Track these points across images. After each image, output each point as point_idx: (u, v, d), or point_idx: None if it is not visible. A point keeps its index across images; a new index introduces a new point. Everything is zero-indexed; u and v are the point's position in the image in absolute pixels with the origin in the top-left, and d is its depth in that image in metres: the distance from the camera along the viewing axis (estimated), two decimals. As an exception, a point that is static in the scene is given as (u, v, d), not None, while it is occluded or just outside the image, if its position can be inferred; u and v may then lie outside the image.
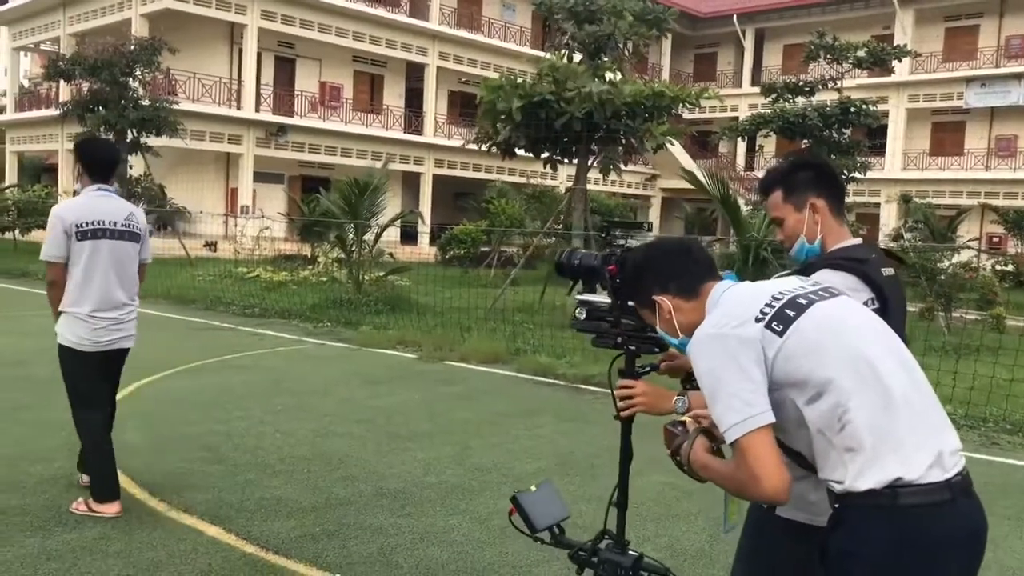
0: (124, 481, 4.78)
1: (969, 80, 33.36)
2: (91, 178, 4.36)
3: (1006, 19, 33.61)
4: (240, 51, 27.91)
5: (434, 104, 32.37)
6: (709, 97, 13.68)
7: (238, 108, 27.41)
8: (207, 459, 5.32)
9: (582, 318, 2.42)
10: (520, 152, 14.42)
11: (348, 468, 5.29)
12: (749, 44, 39.65)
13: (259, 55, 27.83)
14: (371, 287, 13.77)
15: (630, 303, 2.26)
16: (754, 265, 10.35)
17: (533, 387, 8.40)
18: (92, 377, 4.37)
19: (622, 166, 14.31)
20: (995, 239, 32.64)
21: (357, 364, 9.28)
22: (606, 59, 14.01)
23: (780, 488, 1.76)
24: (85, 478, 4.54)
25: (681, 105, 13.44)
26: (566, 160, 14.54)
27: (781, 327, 1.83)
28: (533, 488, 2.47)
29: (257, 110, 27.79)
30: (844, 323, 1.89)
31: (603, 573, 2.38)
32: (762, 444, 1.77)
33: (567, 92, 12.40)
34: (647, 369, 2.45)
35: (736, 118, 33.14)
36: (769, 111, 24.85)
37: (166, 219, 20.82)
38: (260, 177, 27.80)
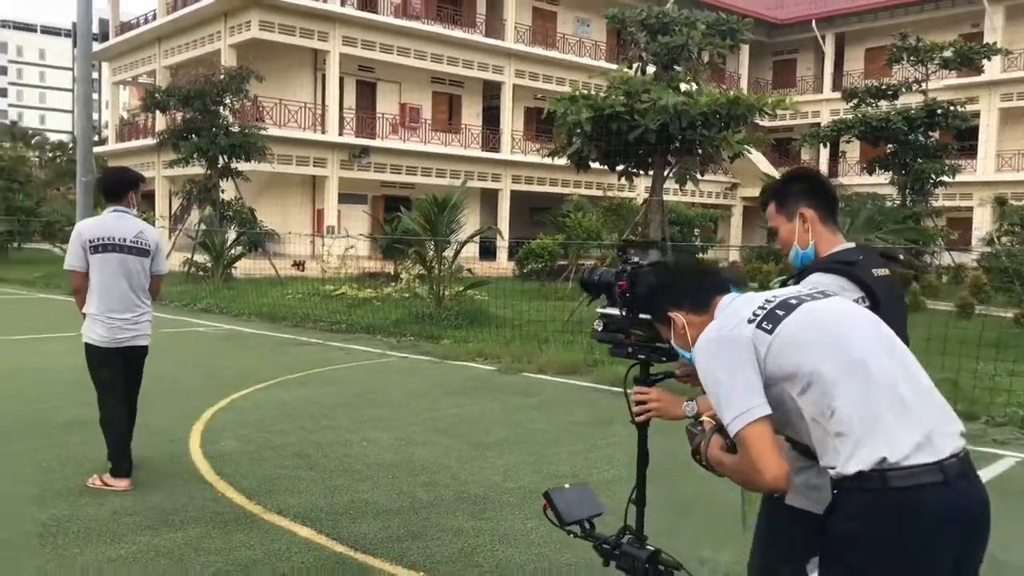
0: (222, 486, 5.10)
1: (1067, 76, 31.96)
2: (108, 201, 5.20)
3: (1105, 11, 32.11)
4: (323, 76, 28.86)
5: (511, 121, 32.79)
6: (785, 106, 13.54)
7: (322, 132, 28.32)
8: (299, 465, 5.61)
9: (600, 330, 2.58)
10: (594, 165, 14.53)
11: (431, 474, 5.50)
12: (829, 49, 38.85)
13: (341, 80, 28.72)
14: (451, 302, 14.08)
15: (644, 317, 2.45)
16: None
17: (610, 397, 8.46)
18: (109, 369, 5.02)
19: (699, 176, 14.26)
20: (1100, 241, 31.03)
21: (439, 376, 9.54)
22: (679, 69, 14.03)
23: (779, 477, 1.88)
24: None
25: (758, 113, 13.34)
26: (641, 172, 14.59)
27: (771, 326, 1.98)
28: (567, 486, 2.66)
29: (340, 133, 28.65)
30: (830, 318, 2.02)
31: (623, 565, 2.54)
32: (760, 437, 1.89)
33: (640, 104, 12.48)
34: (661, 377, 2.59)
35: (818, 124, 32.52)
36: (851, 116, 24.38)
37: (256, 240, 21.63)
38: (344, 198, 28.61)
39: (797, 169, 2.95)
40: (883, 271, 2.50)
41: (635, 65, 14.18)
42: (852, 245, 2.58)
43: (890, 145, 24.28)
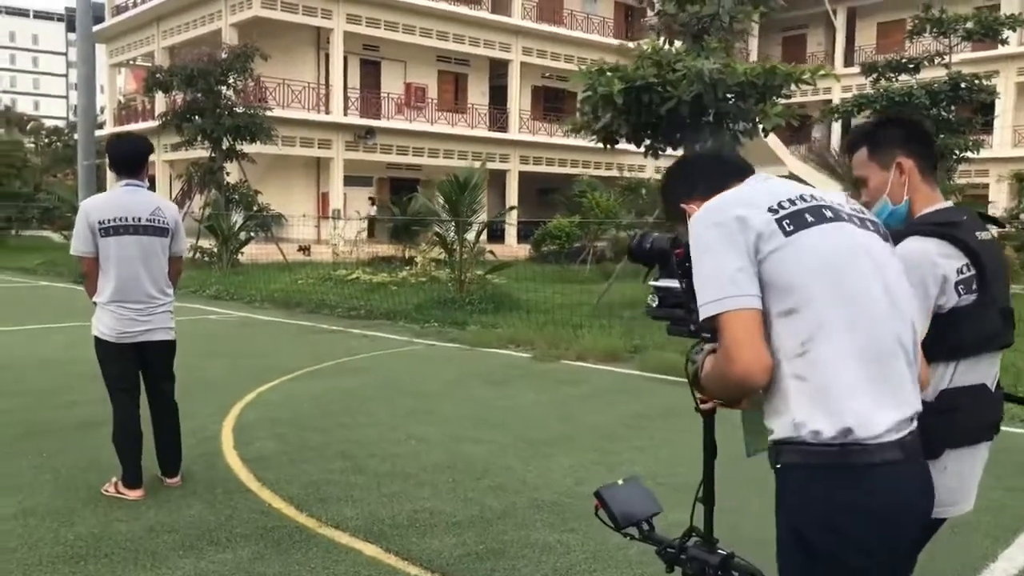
0: (267, 495, 4.55)
1: (1086, 48, 31.26)
2: (118, 175, 4.50)
3: (1125, -19, 31.36)
4: (327, 56, 28.12)
5: (518, 100, 32.08)
6: (825, 75, 12.90)
7: (327, 112, 27.63)
8: (346, 469, 5.04)
9: (654, 305, 2.16)
10: (620, 142, 13.86)
11: (494, 477, 4.95)
12: (841, 23, 38.12)
13: (345, 59, 27.99)
14: (473, 286, 13.50)
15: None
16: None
17: (664, 386, 7.89)
18: (118, 365, 4.43)
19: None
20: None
21: (473, 365, 8.98)
22: (710, 39, 13.36)
23: (751, 367, 1.61)
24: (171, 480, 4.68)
25: (793, 84, 12.70)
26: (668, 148, 13.94)
27: (792, 227, 1.67)
28: (620, 482, 2.33)
29: (345, 114, 27.96)
30: (858, 252, 1.70)
31: (690, 571, 2.23)
32: (741, 324, 1.61)
33: (672, 74, 11.82)
34: None
35: (829, 100, 31.84)
36: (871, 91, 23.72)
37: (264, 224, 21.00)
38: (349, 180, 27.96)
39: (894, 113, 2.48)
40: (986, 234, 2.20)
41: (662, 37, 13.51)
42: (951, 204, 2.25)
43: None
